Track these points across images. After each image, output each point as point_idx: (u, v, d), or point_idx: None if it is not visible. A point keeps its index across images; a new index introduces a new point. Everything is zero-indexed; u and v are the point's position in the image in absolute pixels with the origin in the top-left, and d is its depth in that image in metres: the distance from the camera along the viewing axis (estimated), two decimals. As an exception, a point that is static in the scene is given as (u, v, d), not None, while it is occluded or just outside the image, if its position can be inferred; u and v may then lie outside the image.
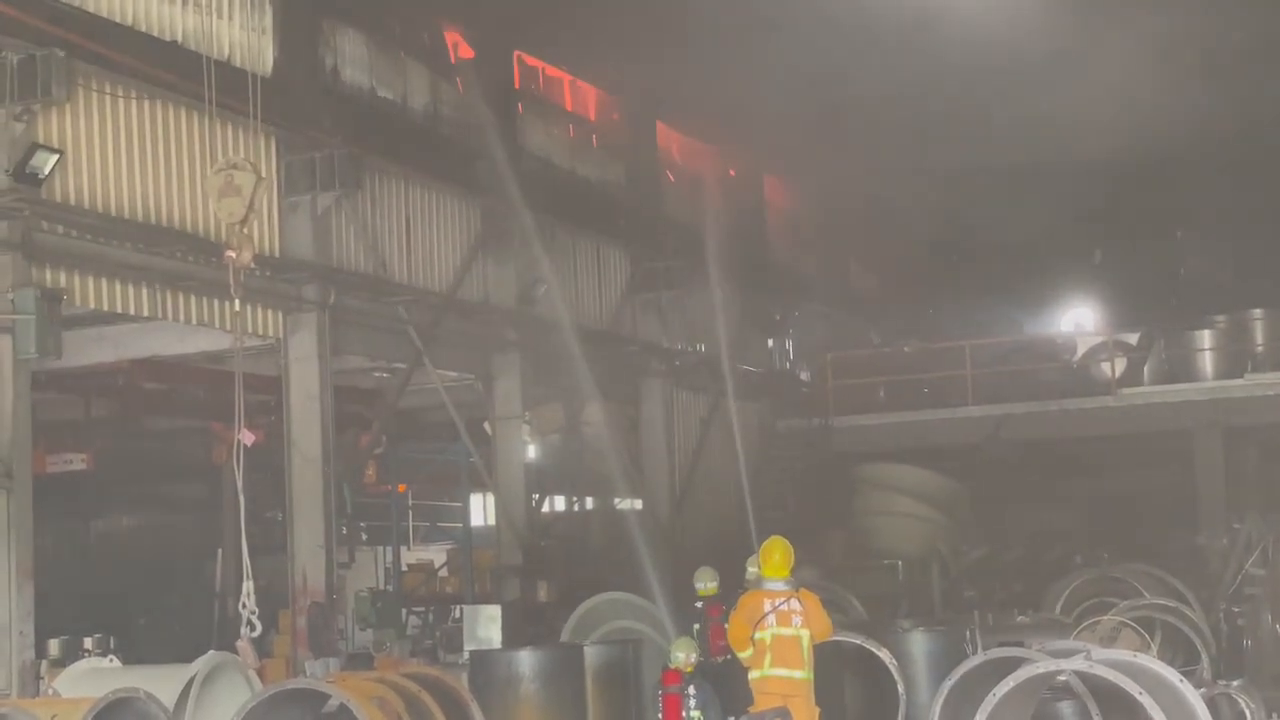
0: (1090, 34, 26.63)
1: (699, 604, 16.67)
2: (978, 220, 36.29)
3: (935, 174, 32.19)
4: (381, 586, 24.70)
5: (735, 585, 16.11)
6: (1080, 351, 32.94)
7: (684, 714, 13.89)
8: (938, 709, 12.21)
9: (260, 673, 14.34)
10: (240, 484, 13.38)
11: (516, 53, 25.69)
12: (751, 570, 15.85)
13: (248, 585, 13.02)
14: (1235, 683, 15.32)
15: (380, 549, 27.08)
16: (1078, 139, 31.31)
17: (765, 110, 28.24)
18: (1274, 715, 14.48)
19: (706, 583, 16.59)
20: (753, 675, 12.64)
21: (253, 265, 14.62)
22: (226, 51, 18.49)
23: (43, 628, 16.32)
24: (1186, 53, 27.33)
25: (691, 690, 13.90)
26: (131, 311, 17.47)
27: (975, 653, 14.53)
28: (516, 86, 25.58)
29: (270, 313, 19.40)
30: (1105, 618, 18.40)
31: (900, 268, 40.97)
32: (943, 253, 39.43)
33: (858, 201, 35.68)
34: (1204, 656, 18.61)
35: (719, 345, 28.33)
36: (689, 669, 13.98)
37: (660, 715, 14.01)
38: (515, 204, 22.92)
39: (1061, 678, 12.52)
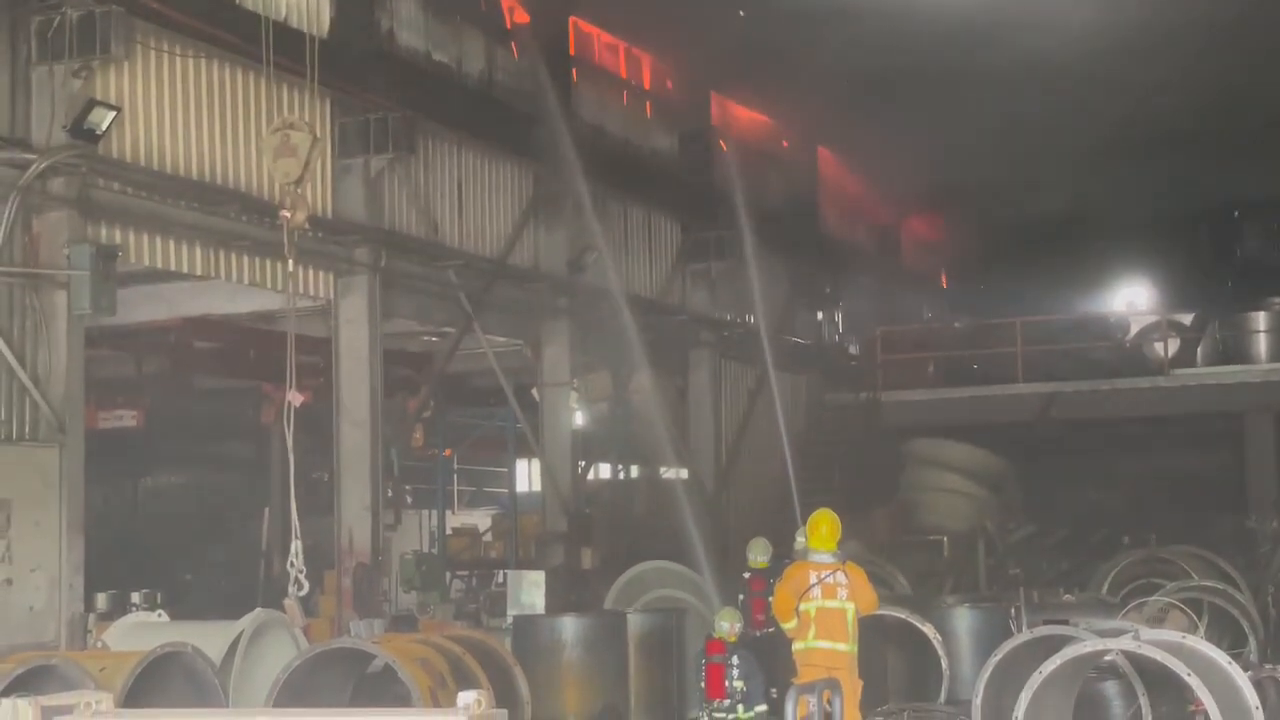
0: (1153, 8, 26.35)
1: (747, 575, 16.66)
2: (1033, 197, 36.04)
3: (991, 149, 31.95)
4: (426, 550, 24.80)
5: (784, 557, 16.08)
6: (1133, 331, 32.74)
7: (727, 684, 13.91)
8: (982, 685, 12.17)
9: (306, 632, 14.42)
10: (289, 444, 13.42)
11: (572, 19, 25.63)
12: (800, 541, 15.83)
13: (296, 545, 13.09)
14: (1283, 667, 15.22)
15: (426, 512, 27.23)
16: (1138, 117, 31.03)
17: (820, 81, 28.08)
18: (1321, 700, 14.35)
19: (758, 555, 16.56)
20: (797, 647, 12.62)
21: (306, 226, 14.66)
22: (284, 12, 18.48)
23: (91, 582, 16.44)
24: (1249, 30, 27.02)
25: (735, 661, 13.91)
26: (185, 270, 17.53)
27: (1020, 630, 14.48)
28: (571, 53, 25.52)
29: (322, 274, 19.43)
30: (1152, 599, 18.31)
31: (954, 243, 40.76)
32: (997, 229, 39.18)
33: (912, 175, 35.48)
34: (1251, 639, 18.50)
35: (766, 317, 28.30)
36: (733, 639, 13.98)
37: (703, 684, 14.04)
38: (568, 171, 22.88)
39: (1108, 657, 12.48)
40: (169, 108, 17.18)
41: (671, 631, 16.18)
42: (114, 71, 16.35)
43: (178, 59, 17.27)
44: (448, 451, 27.09)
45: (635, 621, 15.88)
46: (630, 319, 22.84)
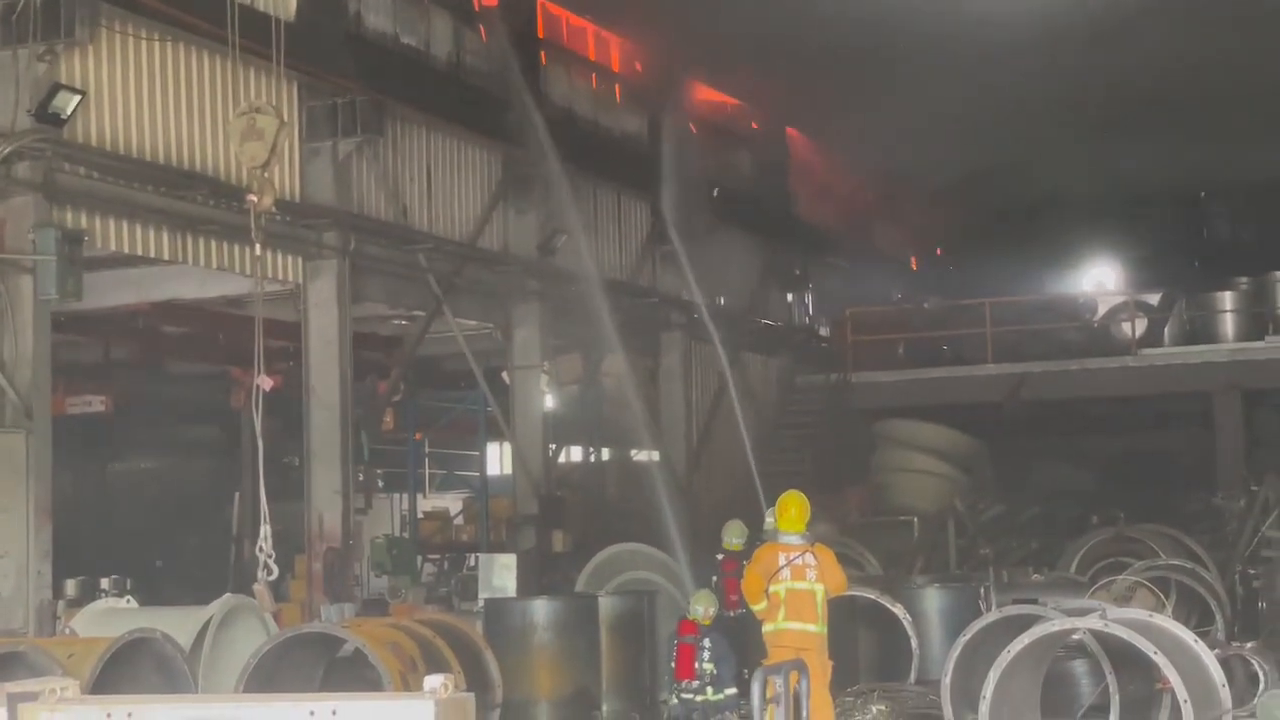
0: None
1: (720, 556, 16.70)
2: (1003, 178, 36.13)
3: (960, 130, 32.02)
4: (398, 534, 24.78)
5: (760, 539, 16.13)
6: (1101, 311, 32.89)
7: (697, 665, 13.95)
8: (951, 665, 12.23)
9: (276, 616, 14.39)
10: (258, 428, 13.38)
11: (540, 0, 25.56)
12: (770, 521, 15.92)
13: (265, 529, 13.05)
14: (1249, 644, 15.33)
15: (397, 496, 27.19)
16: (1106, 99, 31.13)
17: (788, 62, 28.09)
18: (1288, 677, 14.46)
19: (733, 537, 16.59)
20: (767, 629, 12.65)
21: (274, 210, 14.61)
22: (250, -5, 18.39)
23: (60, 568, 16.38)
24: (1216, 13, 27.10)
25: (707, 643, 13.96)
26: (152, 254, 17.45)
27: (990, 610, 14.54)
28: (540, 35, 25.46)
29: (290, 258, 19.37)
30: (1120, 577, 18.43)
31: (924, 225, 40.83)
32: (967, 210, 39.27)
33: (881, 157, 35.53)
34: (1218, 618, 18.62)
35: (736, 299, 28.32)
36: (707, 622, 14.03)
37: (673, 665, 14.08)
38: (537, 153, 22.83)
39: (1076, 636, 12.54)
40: (134, 92, 17.08)
41: (643, 614, 16.18)
42: (79, 55, 16.26)
43: (143, 42, 17.17)
44: (418, 435, 27.04)
45: (607, 604, 15.89)
46: (601, 302, 22.82)
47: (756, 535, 16.11)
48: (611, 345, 24.03)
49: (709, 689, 13.89)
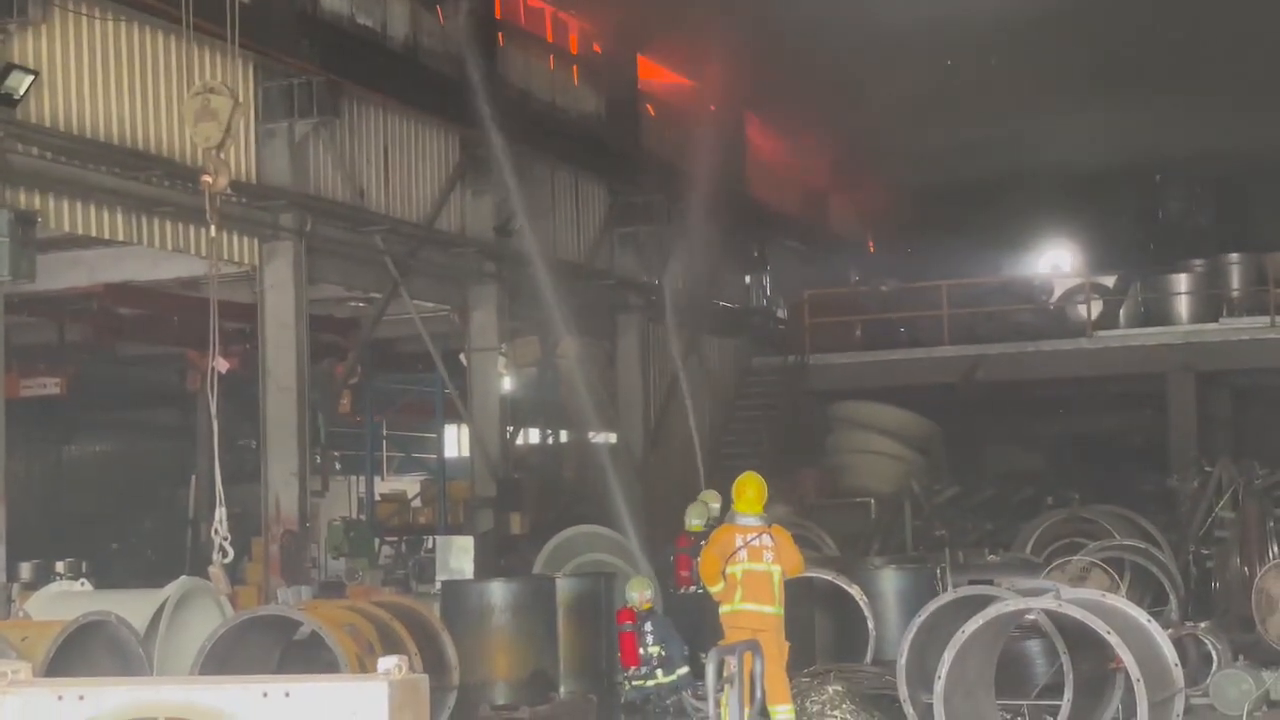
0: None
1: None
2: (958, 160, 36.23)
3: (916, 113, 32.07)
4: (355, 516, 24.73)
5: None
6: (1057, 293, 33.03)
7: (642, 651, 14.01)
8: (906, 645, 12.29)
9: (232, 599, 14.36)
10: (214, 411, 13.33)
11: (498, -18, 25.48)
12: (696, 512, 16.10)
13: (220, 512, 13.02)
14: (1202, 624, 15.49)
15: (354, 479, 27.14)
16: (1061, 79, 31.23)
17: (746, 44, 28.07)
18: (1240, 657, 14.62)
19: (694, 519, 16.65)
20: (723, 610, 12.69)
21: (229, 191, 14.54)
22: (204, -26, 18.25)
23: (15, 551, 16.29)
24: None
25: (649, 626, 14.03)
26: (106, 236, 17.35)
27: (945, 591, 14.62)
28: (497, 17, 25.38)
29: (246, 240, 19.28)
30: (1075, 558, 18.55)
31: (880, 207, 40.92)
32: (923, 193, 39.37)
33: (839, 139, 35.58)
34: (1172, 598, 18.78)
35: (693, 281, 28.32)
36: (646, 606, 14.11)
37: (619, 655, 14.17)
38: (494, 136, 22.77)
39: (1030, 617, 12.63)
40: (88, 71, 16.96)
41: (600, 596, 16.20)
42: (31, 35, 16.13)
43: (96, 22, 17.04)
44: (376, 417, 26.98)
45: (564, 586, 15.90)
46: (558, 284, 22.78)
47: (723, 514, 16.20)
48: (568, 328, 24.01)
49: (659, 671, 13.94)
